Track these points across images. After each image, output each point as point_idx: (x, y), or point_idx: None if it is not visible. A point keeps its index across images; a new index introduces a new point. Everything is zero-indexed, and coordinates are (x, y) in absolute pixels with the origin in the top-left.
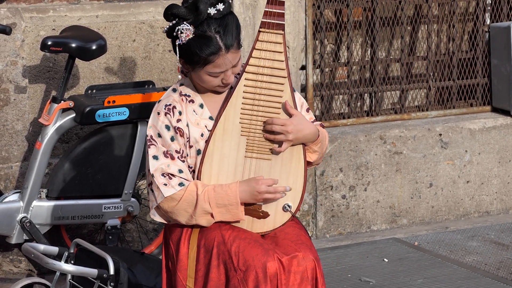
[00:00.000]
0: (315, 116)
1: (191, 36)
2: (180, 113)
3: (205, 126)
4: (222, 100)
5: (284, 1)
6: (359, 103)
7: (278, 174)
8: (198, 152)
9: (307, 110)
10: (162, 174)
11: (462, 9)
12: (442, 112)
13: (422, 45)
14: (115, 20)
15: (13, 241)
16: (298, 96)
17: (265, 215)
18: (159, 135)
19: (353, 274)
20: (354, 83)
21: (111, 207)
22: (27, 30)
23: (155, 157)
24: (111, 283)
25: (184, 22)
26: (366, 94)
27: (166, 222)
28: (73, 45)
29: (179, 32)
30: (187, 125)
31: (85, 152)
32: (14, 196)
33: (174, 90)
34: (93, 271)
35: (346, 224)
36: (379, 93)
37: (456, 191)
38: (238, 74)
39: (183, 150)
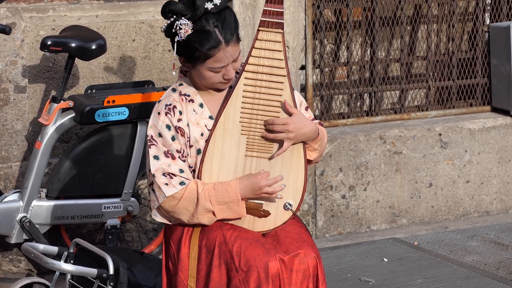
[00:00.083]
0: (314, 116)
1: (190, 31)
2: (180, 112)
3: (205, 125)
4: (222, 99)
5: (283, 0)
6: (358, 103)
7: (279, 172)
8: (198, 151)
9: (306, 109)
10: (163, 174)
11: (461, 9)
12: (442, 112)
13: (421, 45)
14: (114, 20)
15: (13, 240)
16: (297, 94)
17: (266, 214)
18: (160, 135)
19: (353, 274)
20: (354, 83)
21: (110, 207)
22: (27, 30)
23: (156, 157)
24: (111, 283)
25: (183, 18)
26: (365, 94)
27: (168, 223)
28: (73, 44)
29: (178, 28)
30: (188, 125)
31: (84, 151)
32: (14, 196)
33: (174, 90)
34: (92, 271)
35: (346, 224)
36: (379, 93)
37: (455, 191)
38: (237, 72)
39: (183, 150)
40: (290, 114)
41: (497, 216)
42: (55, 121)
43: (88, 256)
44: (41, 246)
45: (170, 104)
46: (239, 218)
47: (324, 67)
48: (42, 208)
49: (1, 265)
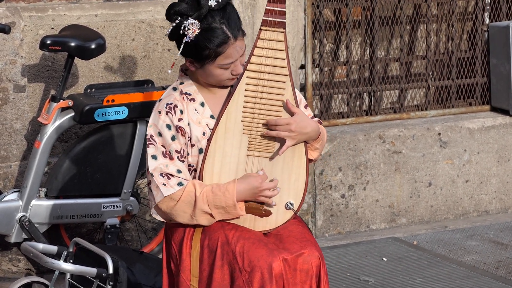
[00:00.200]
0: (314, 115)
1: (197, 31)
2: (181, 112)
3: (207, 124)
4: (223, 98)
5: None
6: (358, 103)
7: (280, 172)
8: (200, 151)
9: (306, 107)
10: (161, 174)
11: (461, 9)
12: (441, 112)
13: (421, 44)
14: (114, 19)
15: (12, 240)
16: (297, 92)
17: (267, 213)
18: (160, 134)
19: (352, 273)
20: (353, 82)
21: (110, 206)
22: (26, 29)
23: (154, 157)
24: (110, 282)
25: (189, 18)
26: (365, 93)
27: (167, 221)
28: (72, 44)
29: (186, 29)
30: (189, 124)
31: (84, 151)
32: (13, 195)
33: (175, 88)
34: (92, 270)
35: (345, 223)
36: (378, 92)
37: (455, 191)
38: None
39: (183, 150)
40: (292, 114)
41: (496, 216)
42: (55, 121)
43: (87, 255)
44: (41, 246)
45: (171, 103)
46: (238, 218)
47: (323, 66)
48: (41, 207)
49: (0, 265)
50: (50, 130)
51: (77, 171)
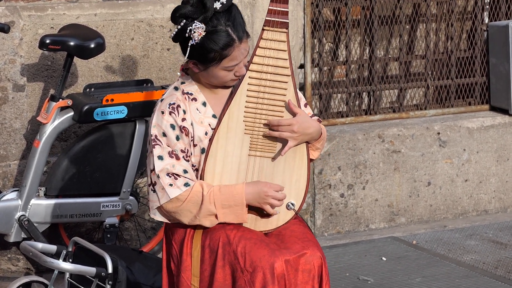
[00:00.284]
0: (313, 114)
1: (203, 33)
2: (184, 111)
3: (209, 124)
4: (224, 98)
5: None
6: (357, 102)
7: (282, 172)
8: (202, 150)
9: (305, 105)
10: (167, 174)
11: (460, 8)
12: (441, 111)
13: (420, 43)
14: (113, 18)
15: (11, 239)
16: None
17: (268, 213)
18: (164, 134)
19: (351, 272)
20: (353, 82)
21: (109, 206)
22: (26, 28)
23: (160, 157)
24: (109, 282)
25: (195, 21)
26: (364, 93)
27: (167, 221)
28: (72, 43)
29: (192, 32)
30: (191, 124)
31: (83, 150)
32: (12, 195)
33: (176, 88)
34: (91, 270)
35: (344, 223)
36: (378, 92)
37: (454, 190)
38: None
39: (187, 150)
40: (294, 114)
41: (496, 215)
42: (54, 120)
43: (86, 254)
44: (40, 245)
45: (174, 103)
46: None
47: (323, 66)
48: (40, 206)
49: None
50: (49, 129)
51: (76, 170)
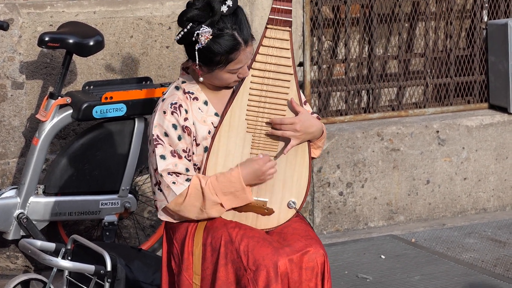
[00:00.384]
0: (313, 112)
1: (210, 37)
2: (186, 111)
3: (212, 123)
4: (226, 97)
5: None
6: (356, 100)
7: (283, 171)
8: (205, 149)
9: (305, 103)
10: (170, 173)
11: (459, 6)
12: (440, 109)
13: (419, 42)
14: (112, 16)
15: (10, 237)
16: None
17: (269, 212)
18: (166, 134)
19: (350, 270)
20: (352, 80)
21: (108, 203)
22: (24, 26)
23: (163, 157)
24: (108, 279)
25: (203, 25)
26: (363, 91)
27: (172, 221)
28: (71, 41)
29: (200, 36)
30: (194, 124)
31: (82, 148)
32: (11, 192)
33: (177, 88)
34: (90, 267)
35: (343, 221)
36: (377, 90)
37: (453, 188)
38: None
39: (189, 149)
40: (296, 113)
41: (494, 213)
42: (53, 118)
43: (85, 252)
44: (39, 243)
45: (175, 103)
46: (244, 210)
47: (322, 64)
48: (39, 204)
49: None
50: (48, 127)
51: (75, 168)
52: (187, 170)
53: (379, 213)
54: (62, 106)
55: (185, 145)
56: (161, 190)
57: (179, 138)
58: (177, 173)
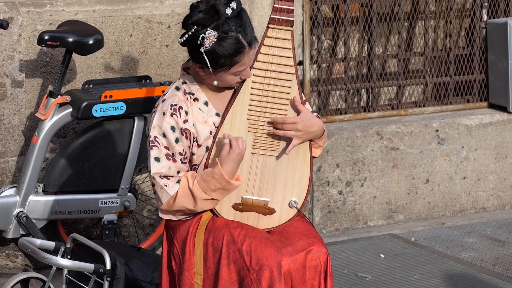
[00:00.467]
0: (312, 111)
1: (214, 40)
2: (186, 113)
3: (213, 123)
4: (227, 97)
5: None
6: (356, 99)
7: (284, 170)
8: (207, 149)
9: (304, 102)
10: (162, 176)
11: (459, 5)
12: (439, 108)
13: (419, 41)
14: (112, 15)
15: (10, 235)
16: None
17: (271, 211)
18: (164, 136)
19: (350, 269)
20: (351, 79)
21: (107, 202)
22: (24, 25)
23: (157, 159)
24: (108, 278)
25: (208, 29)
26: (363, 90)
27: (174, 219)
28: (70, 39)
29: (205, 39)
30: (194, 125)
31: (82, 147)
32: (11, 191)
33: (178, 88)
34: (89, 266)
35: (343, 220)
36: (376, 89)
37: (452, 187)
38: None
39: (186, 152)
40: (298, 112)
41: (494, 212)
42: (52, 116)
43: (85, 251)
44: (38, 241)
45: (175, 105)
46: (245, 210)
47: (321, 62)
48: (39, 203)
49: None
50: (47, 125)
51: (75, 167)
52: (178, 172)
53: (379, 212)
54: (61, 105)
55: (182, 148)
56: (155, 192)
57: (177, 140)
58: (169, 176)
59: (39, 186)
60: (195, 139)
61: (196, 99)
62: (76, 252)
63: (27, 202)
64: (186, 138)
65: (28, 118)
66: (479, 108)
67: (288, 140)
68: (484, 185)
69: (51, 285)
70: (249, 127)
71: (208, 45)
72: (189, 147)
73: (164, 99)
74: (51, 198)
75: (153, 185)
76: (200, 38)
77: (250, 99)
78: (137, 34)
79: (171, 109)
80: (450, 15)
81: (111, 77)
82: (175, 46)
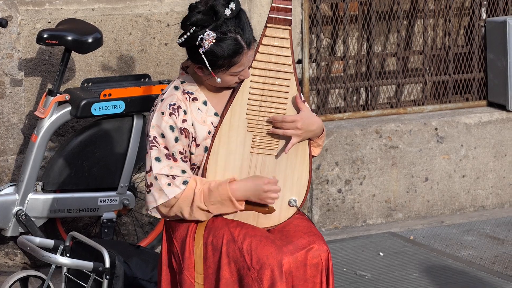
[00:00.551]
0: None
1: (213, 41)
2: (185, 112)
3: (211, 123)
4: (225, 96)
5: None
6: (355, 97)
7: (284, 169)
8: (206, 149)
9: (303, 102)
10: (166, 175)
11: (458, 4)
12: (438, 107)
13: (418, 39)
14: (111, 13)
15: (9, 234)
16: None
17: (270, 210)
18: (163, 136)
19: (349, 268)
20: (350, 77)
21: (106, 200)
22: (23, 23)
23: (157, 159)
24: (107, 276)
25: (206, 30)
26: (362, 88)
27: (166, 218)
28: (69, 38)
29: (204, 40)
30: (192, 124)
31: (81, 145)
32: (10, 189)
33: (176, 88)
34: (88, 264)
35: (342, 218)
36: (375, 87)
37: (451, 186)
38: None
39: (186, 151)
40: (298, 110)
41: (493, 211)
42: (51, 115)
43: (84, 249)
44: (37, 239)
45: (174, 104)
46: (245, 210)
47: (320, 61)
48: (38, 201)
49: None
50: (47, 124)
51: (74, 165)
52: (183, 172)
53: (378, 211)
54: (60, 103)
55: (182, 147)
56: (150, 192)
57: (176, 140)
58: (173, 176)
59: (38, 184)
60: (193, 139)
61: (195, 99)
62: (75, 250)
63: (26, 200)
64: (186, 137)
65: (27, 117)
66: (478, 107)
67: (287, 139)
68: (483, 183)
69: (50, 283)
70: (248, 127)
71: (206, 46)
72: (188, 145)
73: (163, 99)
74: (50, 196)
75: (148, 185)
76: (199, 39)
77: (249, 99)
78: (136, 33)
79: (169, 108)
80: (449, 14)
81: (110, 76)
82: (174, 44)
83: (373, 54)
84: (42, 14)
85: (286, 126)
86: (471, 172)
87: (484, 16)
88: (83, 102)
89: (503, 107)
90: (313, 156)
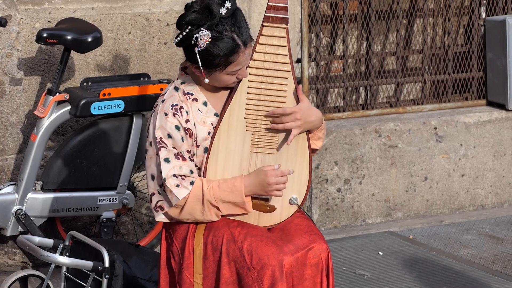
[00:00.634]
0: None
1: (209, 40)
2: (187, 113)
3: (211, 123)
4: (224, 96)
5: None
6: (354, 97)
7: (284, 167)
8: (205, 150)
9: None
10: (175, 176)
11: (457, 3)
12: (437, 106)
13: (417, 38)
14: (110, 12)
15: (8, 233)
16: None
17: (271, 209)
18: (169, 136)
19: (348, 267)
20: (350, 77)
21: (106, 200)
22: (23, 22)
23: (167, 160)
24: (106, 276)
25: (202, 29)
26: (361, 88)
27: (168, 221)
28: (69, 37)
29: (199, 39)
30: (194, 125)
31: (80, 144)
32: (9, 188)
33: (176, 88)
34: (88, 264)
35: (341, 217)
36: (375, 87)
37: (451, 185)
38: None
39: (191, 150)
40: (298, 101)
41: (492, 210)
42: (51, 114)
43: (83, 248)
44: (37, 239)
45: (176, 104)
46: (245, 214)
47: (319, 60)
48: (37, 200)
49: None
50: (46, 123)
51: (73, 164)
52: (191, 172)
53: (377, 210)
54: (60, 103)
55: (188, 147)
56: (164, 193)
57: (182, 139)
58: (183, 176)
59: (37, 183)
60: (195, 139)
61: (195, 99)
62: (74, 249)
63: (26, 200)
64: (190, 137)
65: (26, 116)
66: (477, 106)
67: (287, 136)
68: (482, 182)
69: (50, 283)
70: (247, 126)
71: (202, 45)
72: (192, 145)
73: (164, 100)
74: (50, 195)
75: (158, 188)
76: (194, 38)
77: (247, 98)
78: (135, 32)
79: (172, 109)
80: (448, 13)
81: (110, 75)
82: (174, 44)
83: (372, 53)
84: (42, 13)
85: (286, 119)
86: (470, 172)
87: (483, 15)
88: (83, 102)
89: (502, 107)
90: (315, 150)
